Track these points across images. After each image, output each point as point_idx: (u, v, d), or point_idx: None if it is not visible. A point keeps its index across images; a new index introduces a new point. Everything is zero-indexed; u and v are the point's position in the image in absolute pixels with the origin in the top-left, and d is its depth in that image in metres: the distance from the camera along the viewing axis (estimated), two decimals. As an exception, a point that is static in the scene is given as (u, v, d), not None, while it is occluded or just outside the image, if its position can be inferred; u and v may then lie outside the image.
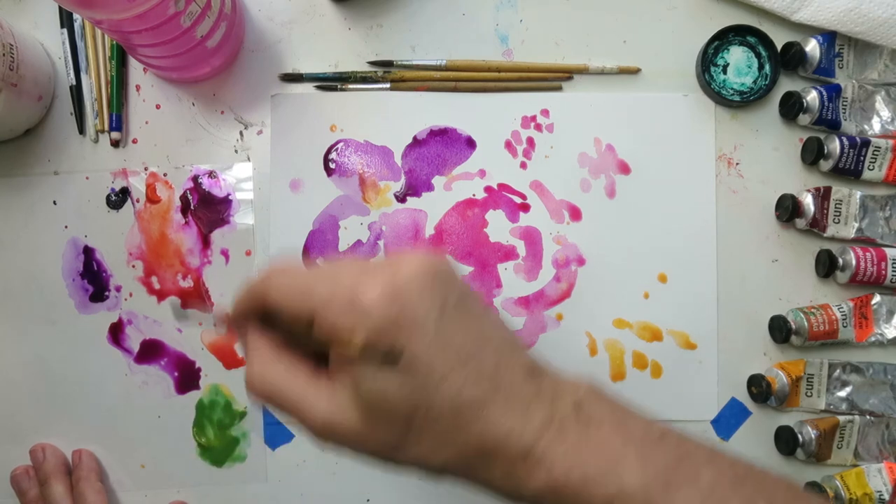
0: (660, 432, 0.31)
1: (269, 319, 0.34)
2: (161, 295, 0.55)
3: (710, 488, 0.29)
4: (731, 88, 0.55)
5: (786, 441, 0.53)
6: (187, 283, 0.55)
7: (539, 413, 0.30)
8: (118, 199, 0.55)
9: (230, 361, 0.55)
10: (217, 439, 0.54)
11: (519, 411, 0.30)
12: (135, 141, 0.55)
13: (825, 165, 0.53)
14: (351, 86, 0.55)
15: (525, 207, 0.55)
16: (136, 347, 0.55)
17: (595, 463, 0.29)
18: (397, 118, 0.55)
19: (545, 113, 0.55)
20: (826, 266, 0.53)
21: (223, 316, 0.36)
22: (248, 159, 0.55)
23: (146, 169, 0.55)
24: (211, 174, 0.55)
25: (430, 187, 0.55)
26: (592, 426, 0.31)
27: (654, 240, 0.55)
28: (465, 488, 0.32)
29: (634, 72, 0.55)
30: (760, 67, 0.55)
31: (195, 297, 0.55)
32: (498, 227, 0.55)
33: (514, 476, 0.30)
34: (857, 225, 0.53)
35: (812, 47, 0.54)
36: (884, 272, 0.52)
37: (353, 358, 0.30)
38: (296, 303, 0.32)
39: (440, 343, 0.30)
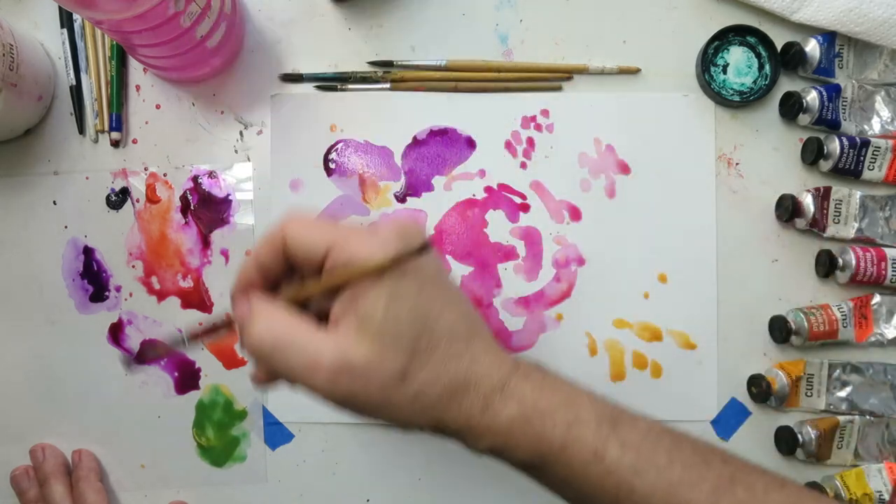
0: (597, 394, 0.37)
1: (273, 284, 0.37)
2: (161, 295, 0.55)
3: (646, 430, 0.35)
4: (731, 88, 0.55)
5: (786, 441, 0.53)
6: (187, 283, 0.55)
7: (508, 360, 0.36)
8: (118, 199, 0.55)
9: (230, 362, 0.55)
10: (217, 439, 0.55)
11: (494, 354, 0.36)
12: (135, 141, 0.55)
13: (825, 165, 0.53)
14: (351, 86, 0.55)
15: (525, 207, 0.55)
16: (136, 347, 0.55)
17: (556, 398, 0.35)
18: (397, 118, 0.55)
19: (545, 113, 0.55)
20: (826, 266, 0.53)
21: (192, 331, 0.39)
22: (248, 159, 0.55)
23: (146, 169, 0.55)
24: (211, 174, 0.55)
25: (430, 187, 0.55)
26: (549, 377, 0.37)
27: (654, 240, 0.55)
28: (443, 440, 0.36)
29: (634, 72, 0.55)
30: (760, 67, 0.55)
31: (195, 297, 0.55)
32: (498, 227, 0.55)
33: (492, 407, 0.34)
34: (856, 225, 0.53)
35: (812, 47, 0.54)
36: (884, 272, 0.52)
37: (373, 277, 0.33)
38: (314, 237, 0.35)
39: (439, 286, 0.35)
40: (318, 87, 0.55)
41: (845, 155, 0.52)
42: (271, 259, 0.36)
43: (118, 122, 0.55)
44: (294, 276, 0.37)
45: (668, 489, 0.34)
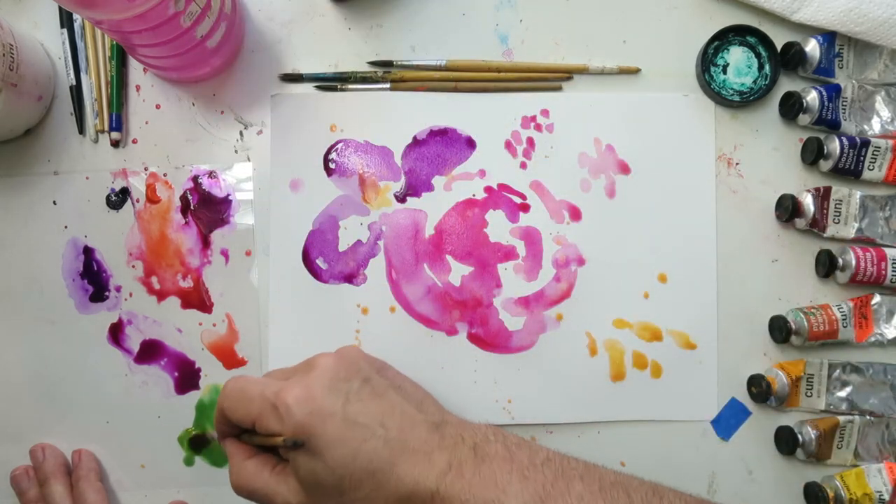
0: (544, 457, 0.40)
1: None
2: (161, 295, 0.55)
3: (580, 497, 0.37)
4: (731, 88, 0.55)
5: (786, 441, 0.53)
6: (187, 284, 0.55)
7: (441, 460, 0.39)
8: (118, 199, 0.55)
9: (230, 362, 0.55)
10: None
11: (423, 462, 0.39)
12: (135, 141, 0.55)
13: (825, 165, 0.53)
14: (351, 86, 0.55)
15: (525, 207, 0.55)
16: (136, 347, 0.55)
17: (486, 494, 0.38)
18: (397, 118, 0.55)
19: (545, 113, 0.55)
20: (826, 266, 0.53)
21: None
22: (248, 159, 0.55)
23: (146, 169, 0.55)
24: (211, 174, 0.55)
25: (430, 187, 0.55)
26: (486, 462, 0.39)
27: (654, 240, 0.55)
28: None
29: (634, 72, 0.55)
30: (760, 67, 0.55)
31: (195, 297, 0.55)
32: (498, 227, 0.55)
33: None
34: (857, 225, 0.53)
35: (812, 47, 0.54)
36: (884, 272, 0.52)
37: (285, 452, 0.42)
38: (241, 417, 0.43)
39: (349, 424, 0.40)
40: (318, 87, 0.55)
41: (845, 155, 0.52)
42: (225, 420, 0.45)
43: (118, 122, 0.55)
44: None
45: None
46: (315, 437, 0.40)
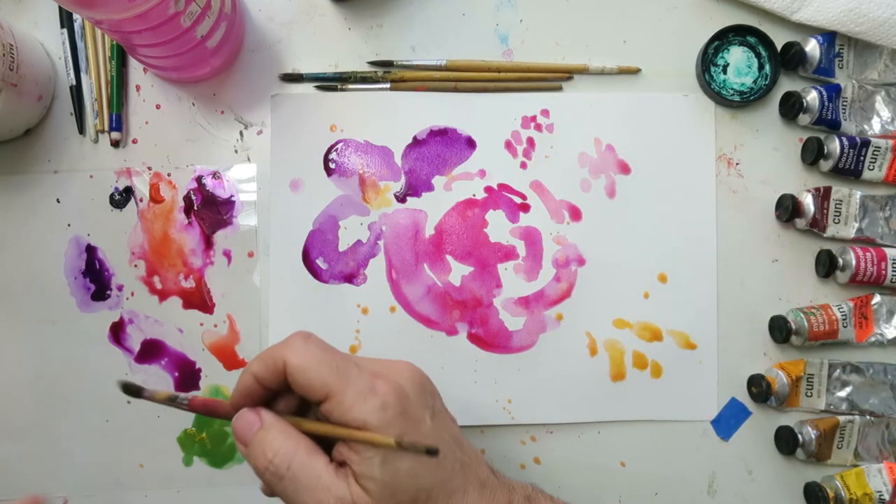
0: None
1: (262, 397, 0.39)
2: (163, 295, 0.55)
3: None
4: (731, 88, 0.55)
5: (786, 441, 0.53)
6: (189, 284, 0.55)
7: (502, 498, 0.39)
8: (121, 198, 0.55)
9: (231, 363, 0.55)
10: (217, 440, 0.55)
11: (488, 497, 0.39)
12: (135, 141, 0.55)
13: (825, 165, 0.53)
14: (351, 86, 0.55)
15: (525, 207, 0.55)
16: (136, 347, 0.55)
17: None
18: (397, 118, 0.55)
19: (545, 113, 0.55)
20: (826, 266, 0.53)
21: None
22: (249, 159, 0.55)
23: (150, 169, 0.55)
24: (215, 175, 0.55)
25: (430, 187, 0.55)
26: None
27: (654, 240, 0.55)
28: None
29: (634, 72, 0.55)
30: (760, 67, 0.55)
31: (197, 298, 0.55)
32: (498, 227, 0.55)
33: None
34: (857, 225, 0.53)
35: (812, 47, 0.54)
36: (884, 272, 0.52)
37: (375, 447, 0.35)
38: (316, 377, 0.36)
39: (435, 438, 0.37)
40: (318, 87, 0.55)
41: (845, 155, 0.52)
42: (271, 379, 0.38)
43: (118, 122, 0.55)
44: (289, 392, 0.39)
45: None
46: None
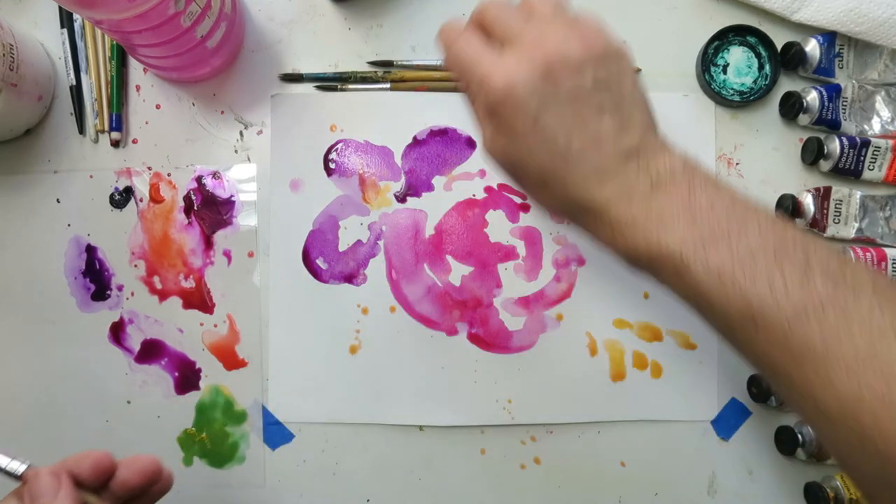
0: (728, 202, 0.36)
1: None
2: (163, 295, 0.55)
3: (748, 248, 0.34)
4: (731, 88, 0.55)
5: (786, 441, 0.53)
6: (189, 284, 0.55)
7: (613, 185, 0.36)
8: (122, 198, 0.55)
9: (231, 362, 0.55)
10: (217, 440, 0.55)
11: (594, 183, 0.36)
12: (135, 141, 0.55)
13: (825, 165, 0.53)
14: (351, 86, 0.55)
15: (525, 207, 0.55)
16: (136, 347, 0.55)
17: (648, 228, 0.35)
18: (397, 118, 0.55)
19: (545, 113, 0.55)
20: (826, 266, 0.53)
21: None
22: (249, 159, 0.55)
23: (150, 169, 0.55)
24: (215, 175, 0.55)
25: (430, 187, 0.55)
26: (658, 197, 0.36)
27: (654, 240, 0.55)
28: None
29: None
30: (760, 67, 0.55)
31: (197, 298, 0.55)
32: (498, 227, 0.55)
33: (589, 225, 0.38)
34: (857, 225, 0.53)
35: (812, 47, 0.53)
36: (884, 272, 0.52)
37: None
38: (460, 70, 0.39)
39: (537, 128, 0.37)
40: (318, 87, 0.55)
41: (845, 155, 0.52)
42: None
43: (118, 122, 0.55)
44: None
45: (744, 307, 0.33)
46: (497, 129, 0.37)
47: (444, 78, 0.55)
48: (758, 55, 0.55)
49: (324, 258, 0.55)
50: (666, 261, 0.35)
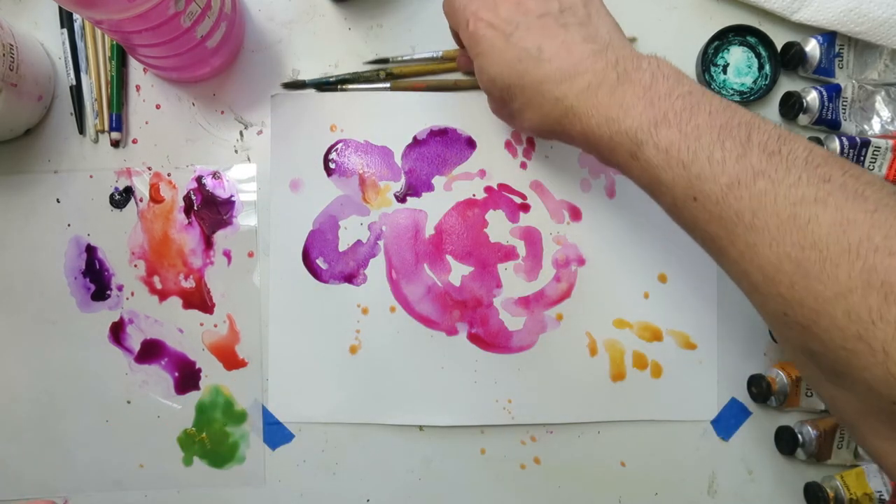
0: (686, 91, 0.38)
1: None
2: (163, 295, 0.55)
3: (696, 127, 0.36)
4: (731, 88, 0.55)
5: (786, 441, 0.53)
6: (189, 284, 0.55)
7: (583, 81, 0.40)
8: (122, 198, 0.55)
9: (231, 363, 0.55)
10: (217, 440, 0.55)
11: (567, 83, 0.41)
12: (135, 141, 0.55)
13: (825, 165, 0.53)
14: (351, 86, 0.55)
15: (525, 207, 0.55)
16: (136, 347, 0.55)
17: (609, 112, 0.39)
18: (397, 118, 0.55)
19: (545, 113, 0.55)
20: (826, 266, 0.53)
21: None
22: (249, 159, 0.55)
23: (150, 169, 0.55)
24: (215, 175, 0.55)
25: (430, 187, 0.55)
26: (623, 86, 0.39)
27: (654, 240, 0.55)
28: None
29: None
30: (760, 67, 0.55)
31: (197, 298, 0.55)
32: (498, 227, 0.55)
33: (564, 124, 0.41)
34: (857, 225, 0.53)
35: (812, 47, 0.53)
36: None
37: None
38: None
39: (510, 45, 0.42)
40: (318, 87, 0.55)
41: (845, 155, 0.52)
42: None
43: (118, 122, 0.55)
44: None
45: (686, 183, 0.36)
46: (481, 53, 0.43)
47: (442, 69, 0.55)
48: (758, 55, 0.55)
49: (324, 258, 0.55)
50: (623, 140, 0.38)
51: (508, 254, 0.55)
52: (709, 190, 0.35)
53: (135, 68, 0.55)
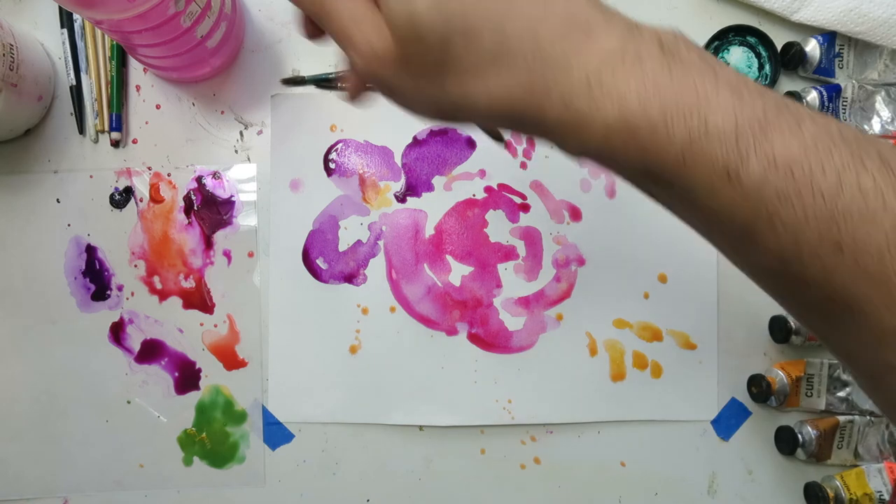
0: (757, 85, 0.27)
1: None
2: (163, 295, 0.55)
3: (813, 138, 0.25)
4: (732, 88, 0.55)
5: (786, 441, 0.53)
6: (189, 284, 0.55)
7: (609, 42, 0.27)
8: (122, 198, 0.55)
9: (231, 362, 0.55)
10: (217, 440, 0.55)
11: (580, 39, 0.26)
12: (135, 141, 0.55)
13: (825, 165, 0.53)
14: (351, 86, 0.55)
15: (525, 207, 0.55)
16: (136, 347, 0.55)
17: (678, 99, 0.25)
18: (397, 118, 0.55)
19: (545, 113, 0.55)
20: (826, 266, 0.53)
21: None
22: (249, 159, 0.55)
23: (149, 169, 0.55)
24: (215, 175, 0.55)
25: (430, 187, 0.55)
26: (678, 65, 0.26)
27: (654, 240, 0.55)
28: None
29: None
30: (760, 67, 0.55)
31: (197, 298, 0.55)
32: (498, 227, 0.55)
33: (575, 109, 0.26)
34: (857, 225, 0.53)
35: (812, 47, 0.53)
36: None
37: None
38: None
39: None
40: (318, 84, 0.55)
41: (845, 155, 0.52)
42: None
43: (118, 122, 0.55)
44: None
45: (827, 224, 0.24)
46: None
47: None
48: (758, 55, 0.55)
49: (324, 258, 0.55)
50: (712, 149, 0.25)
51: (508, 254, 0.55)
52: (866, 236, 0.24)
53: (135, 68, 0.55)
